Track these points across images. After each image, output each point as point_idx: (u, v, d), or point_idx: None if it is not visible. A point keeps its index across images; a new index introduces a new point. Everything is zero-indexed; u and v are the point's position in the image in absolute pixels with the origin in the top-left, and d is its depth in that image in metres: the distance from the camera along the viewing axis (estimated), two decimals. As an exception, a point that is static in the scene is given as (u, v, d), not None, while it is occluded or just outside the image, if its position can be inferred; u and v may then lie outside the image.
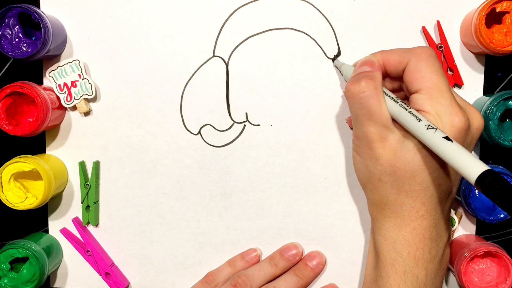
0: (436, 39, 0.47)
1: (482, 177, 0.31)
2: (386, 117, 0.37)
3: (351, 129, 0.47)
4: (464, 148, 0.33)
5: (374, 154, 0.38)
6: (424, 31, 0.47)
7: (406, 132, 0.37)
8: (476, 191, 0.46)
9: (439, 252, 0.39)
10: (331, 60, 0.48)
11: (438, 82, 0.37)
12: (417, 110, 0.37)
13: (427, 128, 0.35)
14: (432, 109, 0.36)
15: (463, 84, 0.47)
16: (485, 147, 0.48)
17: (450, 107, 0.36)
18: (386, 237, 0.39)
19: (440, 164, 0.37)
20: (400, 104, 0.37)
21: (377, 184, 0.39)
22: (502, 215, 0.45)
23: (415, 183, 0.37)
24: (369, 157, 0.38)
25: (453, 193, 0.39)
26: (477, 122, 0.38)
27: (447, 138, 0.34)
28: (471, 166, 0.32)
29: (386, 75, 0.41)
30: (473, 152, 0.44)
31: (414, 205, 0.38)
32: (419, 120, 0.35)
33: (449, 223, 0.40)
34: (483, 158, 0.48)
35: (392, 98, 0.38)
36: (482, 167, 0.31)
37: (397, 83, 0.41)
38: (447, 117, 0.36)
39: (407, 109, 0.37)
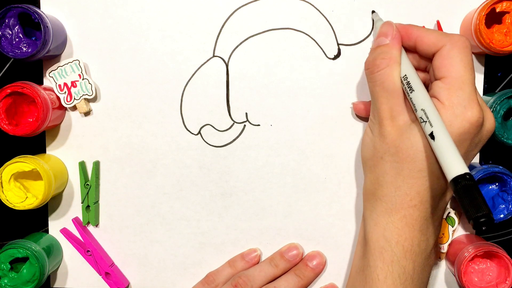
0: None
1: (458, 179, 0.31)
2: (399, 96, 0.38)
3: (357, 115, 0.47)
4: (454, 145, 0.34)
5: (382, 132, 0.38)
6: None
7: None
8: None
9: (428, 248, 0.39)
10: (331, 60, 0.48)
11: (464, 74, 0.36)
12: (432, 97, 0.37)
13: (420, 121, 0.36)
14: (447, 100, 0.36)
15: (463, 84, 0.47)
16: (485, 147, 0.48)
17: (467, 100, 0.36)
18: (376, 221, 0.39)
19: None
20: (405, 88, 0.38)
21: (378, 161, 0.39)
22: (502, 215, 0.45)
23: (415, 170, 0.37)
24: (378, 134, 0.39)
25: (447, 195, 0.39)
26: (489, 123, 0.38)
27: (431, 135, 0.34)
28: (450, 165, 0.32)
29: (415, 51, 0.40)
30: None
31: (409, 192, 0.37)
32: (416, 111, 0.36)
33: (440, 227, 0.40)
34: (484, 158, 0.49)
35: (401, 77, 0.38)
36: (461, 169, 0.32)
37: (424, 63, 0.41)
38: (461, 110, 0.36)
39: (408, 95, 0.37)
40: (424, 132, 0.36)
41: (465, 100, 0.36)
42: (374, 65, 0.39)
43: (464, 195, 0.31)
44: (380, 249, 0.39)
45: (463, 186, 0.31)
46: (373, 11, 0.47)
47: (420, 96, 0.36)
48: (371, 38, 0.47)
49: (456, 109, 0.36)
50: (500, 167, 0.45)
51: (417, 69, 0.41)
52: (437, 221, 0.39)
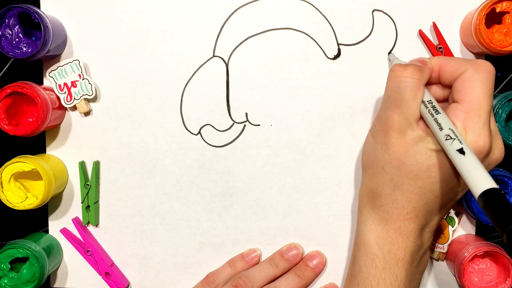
0: (434, 40, 0.47)
1: (486, 193, 0.31)
2: (414, 112, 0.37)
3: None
4: (480, 162, 0.33)
5: (386, 142, 0.38)
6: (421, 33, 0.47)
7: (426, 134, 0.37)
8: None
9: (419, 256, 0.40)
10: (331, 60, 0.48)
11: (483, 100, 0.36)
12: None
13: (446, 139, 0.35)
14: (462, 123, 0.36)
15: (463, 84, 0.47)
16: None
17: (481, 128, 0.36)
18: (370, 229, 0.40)
19: (445, 177, 0.37)
20: (429, 110, 0.37)
21: (378, 171, 0.39)
22: (502, 215, 0.45)
23: (415, 186, 0.37)
24: (381, 143, 0.38)
25: (447, 209, 0.39)
26: (499, 151, 0.38)
27: (461, 150, 0.34)
28: (478, 180, 0.31)
29: (438, 82, 0.40)
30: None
31: (406, 206, 0.38)
32: (441, 129, 0.35)
33: (432, 237, 0.41)
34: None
35: (425, 101, 0.37)
36: (489, 184, 0.31)
37: (448, 92, 0.40)
38: (474, 137, 0.35)
39: (433, 116, 0.37)
40: (448, 149, 0.35)
41: (479, 127, 0.36)
42: (406, 70, 0.37)
43: (494, 209, 0.30)
44: (372, 255, 0.39)
45: (493, 200, 0.30)
46: (389, 52, 0.47)
47: (446, 117, 0.36)
48: (371, 38, 0.47)
49: (469, 134, 0.35)
50: (500, 169, 0.45)
51: (440, 100, 0.41)
52: (430, 232, 0.40)
